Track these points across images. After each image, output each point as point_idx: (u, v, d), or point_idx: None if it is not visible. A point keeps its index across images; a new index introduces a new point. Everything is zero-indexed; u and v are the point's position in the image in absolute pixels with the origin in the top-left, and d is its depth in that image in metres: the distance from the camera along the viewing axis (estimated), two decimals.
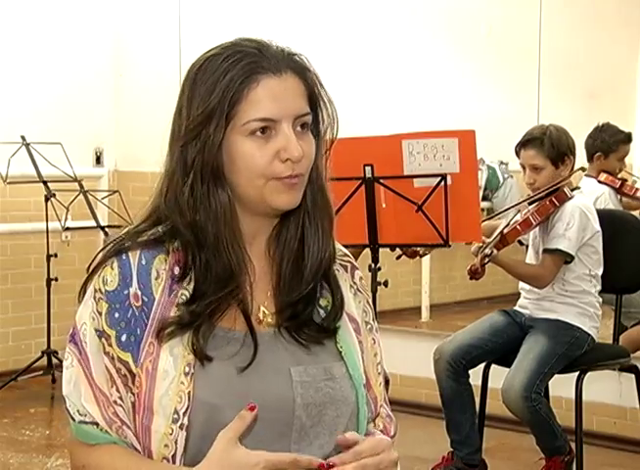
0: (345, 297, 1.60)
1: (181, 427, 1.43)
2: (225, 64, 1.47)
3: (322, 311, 1.57)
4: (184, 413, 1.43)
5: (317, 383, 1.51)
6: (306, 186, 1.53)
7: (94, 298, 1.49)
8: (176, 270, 1.49)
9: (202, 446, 1.44)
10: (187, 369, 1.45)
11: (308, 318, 1.54)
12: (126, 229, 1.55)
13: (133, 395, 1.46)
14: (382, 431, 1.64)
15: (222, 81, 1.46)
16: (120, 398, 1.47)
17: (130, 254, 1.49)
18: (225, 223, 1.49)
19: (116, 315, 1.48)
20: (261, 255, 1.56)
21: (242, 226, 1.52)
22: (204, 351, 1.46)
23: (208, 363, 1.46)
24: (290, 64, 1.50)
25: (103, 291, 1.49)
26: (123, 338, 1.47)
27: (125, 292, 1.48)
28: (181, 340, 1.46)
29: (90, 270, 1.52)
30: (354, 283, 1.64)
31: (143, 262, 1.49)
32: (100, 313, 1.48)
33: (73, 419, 1.51)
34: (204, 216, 1.48)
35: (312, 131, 1.53)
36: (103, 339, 1.48)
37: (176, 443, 1.44)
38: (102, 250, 1.53)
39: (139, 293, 1.48)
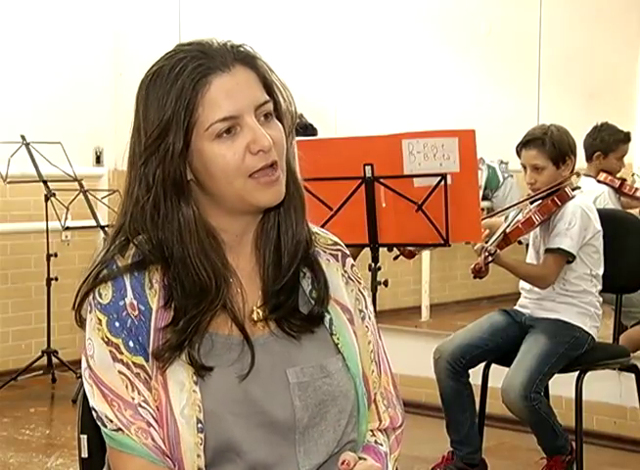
0: (337, 286, 1.59)
1: (205, 435, 1.43)
2: (173, 73, 1.46)
3: (314, 303, 1.56)
4: (205, 422, 1.43)
5: (315, 382, 1.50)
6: None
7: (91, 311, 1.48)
8: (166, 280, 1.48)
9: (213, 457, 1.44)
10: (195, 378, 1.45)
11: (293, 307, 1.53)
12: (103, 252, 1.51)
13: (156, 400, 1.45)
14: (388, 427, 1.62)
15: (174, 91, 1.45)
16: (145, 401, 1.45)
17: (122, 266, 1.48)
18: (191, 238, 1.46)
19: (117, 325, 1.46)
20: (250, 253, 1.55)
21: (226, 229, 1.51)
22: (200, 363, 1.45)
23: (210, 373, 1.45)
24: (236, 56, 1.48)
25: (99, 305, 1.47)
26: (131, 344, 1.46)
27: (121, 303, 1.47)
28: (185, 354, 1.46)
29: (79, 300, 1.50)
30: (345, 271, 1.62)
31: (135, 274, 1.48)
32: (100, 324, 1.47)
33: (105, 426, 1.47)
34: (168, 233, 1.47)
35: (276, 117, 1.51)
36: (110, 346, 1.46)
37: (204, 451, 1.43)
38: (85, 280, 1.49)
39: (135, 302, 1.47)
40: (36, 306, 5.74)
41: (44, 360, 5.47)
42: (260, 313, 1.53)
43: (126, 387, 1.46)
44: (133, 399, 1.45)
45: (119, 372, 1.46)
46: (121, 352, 1.46)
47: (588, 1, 6.63)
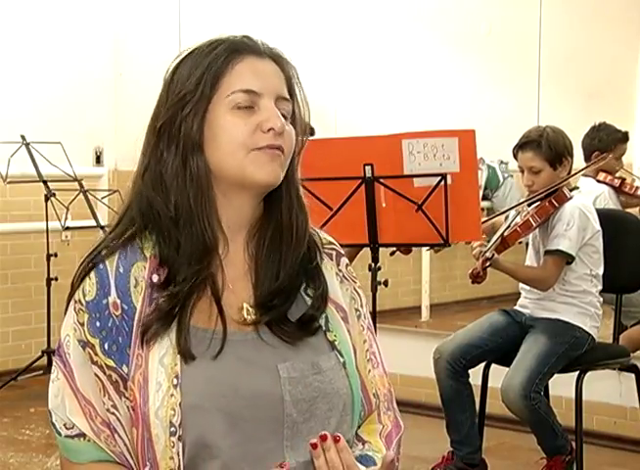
0: (331, 284, 1.59)
1: (179, 438, 1.43)
2: (210, 47, 1.52)
3: (310, 311, 1.56)
4: (179, 425, 1.42)
5: (305, 378, 1.50)
6: (282, 185, 1.53)
7: (74, 309, 1.49)
8: (154, 278, 1.48)
9: (198, 451, 1.44)
10: (175, 381, 1.44)
11: (286, 315, 1.53)
12: (101, 238, 1.54)
13: (128, 399, 1.45)
14: (390, 434, 1.61)
15: (207, 59, 1.50)
16: (114, 406, 1.46)
17: (107, 262, 1.49)
18: (201, 193, 1.48)
19: (97, 324, 1.47)
20: (242, 252, 1.55)
21: (221, 214, 1.52)
22: (188, 347, 1.45)
23: (193, 367, 1.45)
24: (271, 53, 1.55)
25: (83, 302, 1.48)
26: (106, 346, 1.46)
27: (104, 301, 1.47)
28: (169, 347, 1.45)
29: (73, 284, 1.51)
30: (340, 270, 1.62)
31: (121, 271, 1.48)
32: (82, 324, 1.48)
33: (59, 434, 1.50)
34: (178, 190, 1.48)
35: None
36: (88, 348, 1.47)
37: (179, 454, 1.43)
38: (81, 264, 1.52)
39: (118, 301, 1.47)
40: (36, 306, 5.74)
41: (44, 360, 5.46)
42: (252, 312, 1.52)
43: (99, 391, 1.46)
44: (104, 403, 1.46)
45: (95, 375, 1.47)
46: (96, 354, 1.47)
47: (588, 1, 6.64)
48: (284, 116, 1.51)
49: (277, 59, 1.55)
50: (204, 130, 1.49)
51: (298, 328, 1.53)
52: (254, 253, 1.55)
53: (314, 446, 1.44)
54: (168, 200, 1.49)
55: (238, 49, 1.51)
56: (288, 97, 1.53)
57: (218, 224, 1.51)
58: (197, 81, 1.49)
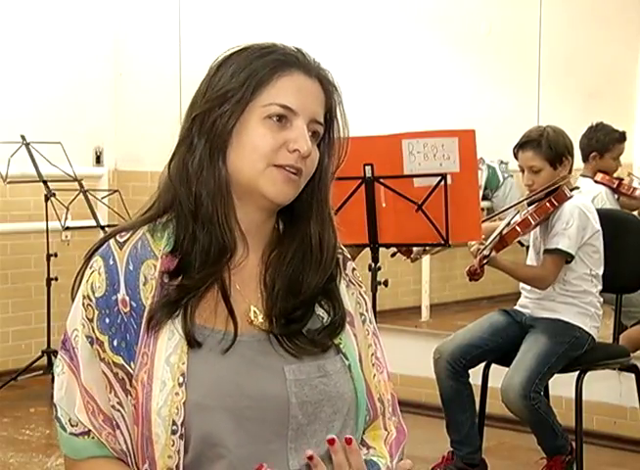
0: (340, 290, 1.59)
1: (180, 437, 1.43)
2: (264, 50, 1.52)
3: (325, 332, 1.56)
4: (182, 424, 1.43)
5: (311, 380, 1.50)
6: (313, 203, 1.54)
7: (83, 304, 1.49)
8: (165, 278, 1.48)
9: (203, 449, 1.44)
10: (181, 379, 1.44)
11: (299, 330, 1.53)
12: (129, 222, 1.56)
13: (133, 398, 1.45)
14: (394, 442, 1.61)
15: (254, 63, 1.50)
16: (120, 403, 1.47)
17: (118, 258, 1.49)
18: (222, 198, 1.49)
19: (107, 321, 1.47)
20: (254, 258, 1.55)
21: (239, 217, 1.52)
22: (194, 334, 1.45)
23: (200, 365, 1.45)
24: (319, 74, 1.55)
25: (92, 298, 1.48)
26: (115, 343, 1.47)
27: (113, 298, 1.47)
28: (177, 344, 1.45)
29: (87, 256, 1.53)
30: (346, 274, 1.62)
31: (131, 268, 1.48)
32: (90, 320, 1.48)
33: (64, 429, 1.51)
34: (203, 188, 1.49)
35: (319, 148, 1.55)
36: (96, 345, 1.48)
37: (178, 452, 1.43)
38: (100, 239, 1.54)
39: (127, 298, 1.47)
40: (36, 306, 5.74)
41: (44, 360, 5.46)
42: (259, 315, 1.52)
43: (105, 387, 1.47)
44: (109, 400, 1.47)
45: (102, 371, 1.47)
46: (104, 351, 1.47)
47: (588, 1, 6.63)
48: (314, 134, 1.52)
49: (324, 81, 1.55)
50: (233, 132, 1.49)
51: (311, 344, 1.52)
52: (270, 261, 1.55)
53: (310, 458, 1.44)
54: (189, 190, 1.49)
55: (288, 62, 1.51)
56: (322, 121, 1.53)
57: (237, 227, 1.51)
58: (240, 83, 1.49)
